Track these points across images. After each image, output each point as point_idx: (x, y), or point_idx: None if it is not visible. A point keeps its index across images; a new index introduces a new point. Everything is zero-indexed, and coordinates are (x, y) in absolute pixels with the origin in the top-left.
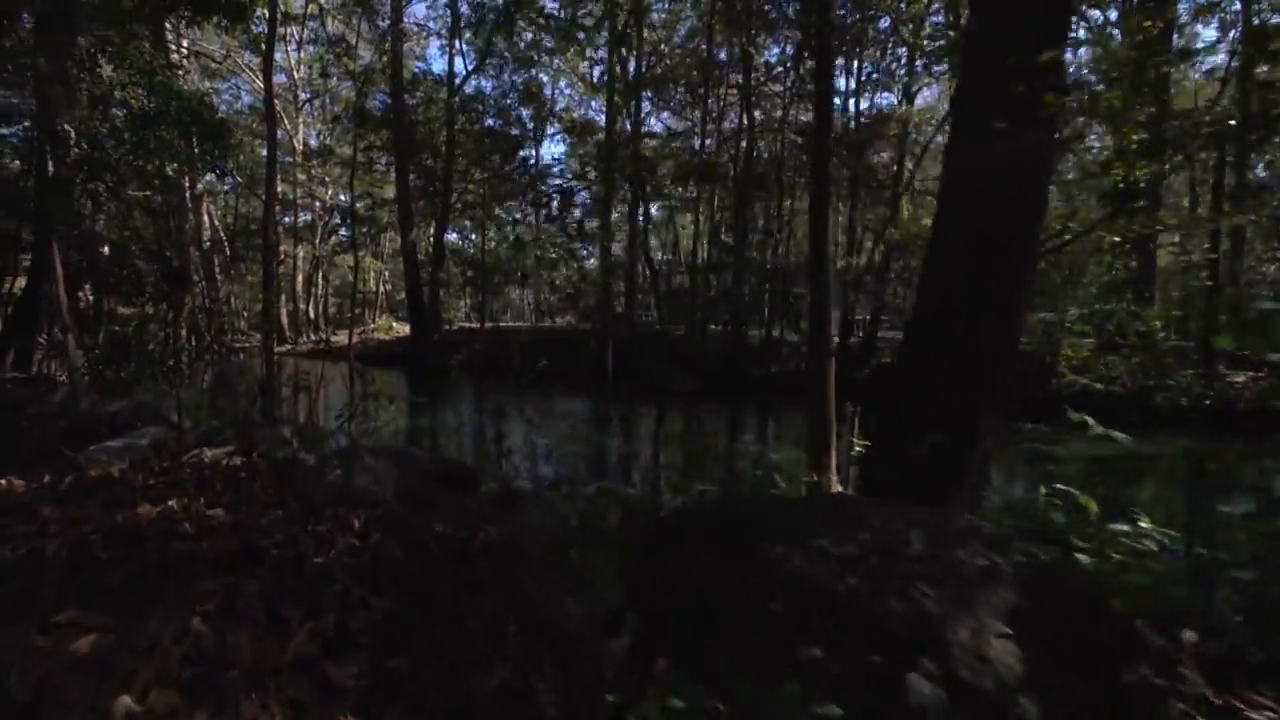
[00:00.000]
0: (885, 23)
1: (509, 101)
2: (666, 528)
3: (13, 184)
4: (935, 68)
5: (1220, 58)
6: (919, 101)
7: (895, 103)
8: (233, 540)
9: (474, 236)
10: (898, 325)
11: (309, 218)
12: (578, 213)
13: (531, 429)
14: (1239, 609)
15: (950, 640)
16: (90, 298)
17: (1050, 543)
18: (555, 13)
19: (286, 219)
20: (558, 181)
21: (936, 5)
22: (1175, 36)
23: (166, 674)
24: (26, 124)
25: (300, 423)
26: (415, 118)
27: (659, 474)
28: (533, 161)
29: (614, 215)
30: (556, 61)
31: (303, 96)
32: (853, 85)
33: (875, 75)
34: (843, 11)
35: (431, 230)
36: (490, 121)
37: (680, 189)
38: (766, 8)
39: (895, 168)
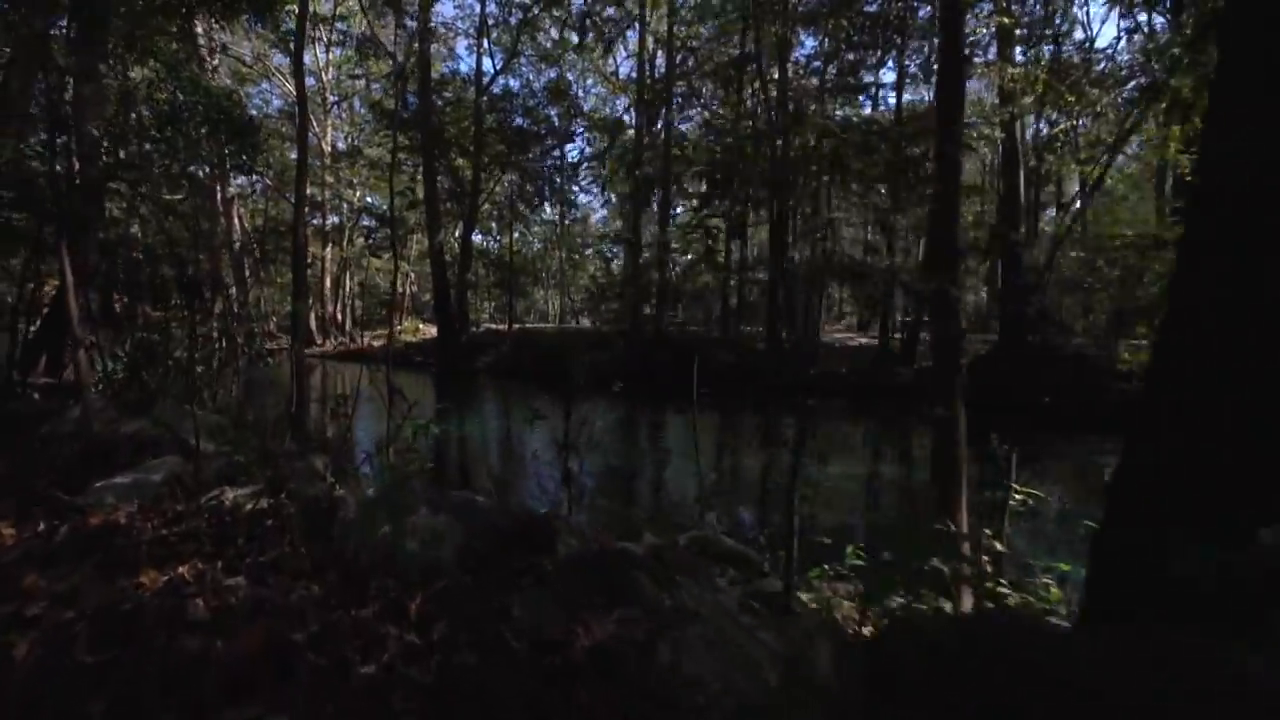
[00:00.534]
0: (924, 12)
1: (536, 100)
2: (884, 673)
3: (39, 186)
4: (977, 57)
5: None
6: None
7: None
8: (256, 635)
9: (502, 239)
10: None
11: (337, 220)
12: (603, 213)
13: (579, 443)
14: None
15: None
16: (124, 302)
17: None
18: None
19: (315, 221)
20: (585, 180)
21: None
22: None
23: None
24: (50, 127)
25: (334, 445)
26: (443, 118)
27: (766, 513)
28: (558, 160)
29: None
30: (584, 61)
31: (331, 99)
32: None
33: (917, 67)
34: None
35: (458, 232)
36: (519, 120)
37: (711, 188)
38: None
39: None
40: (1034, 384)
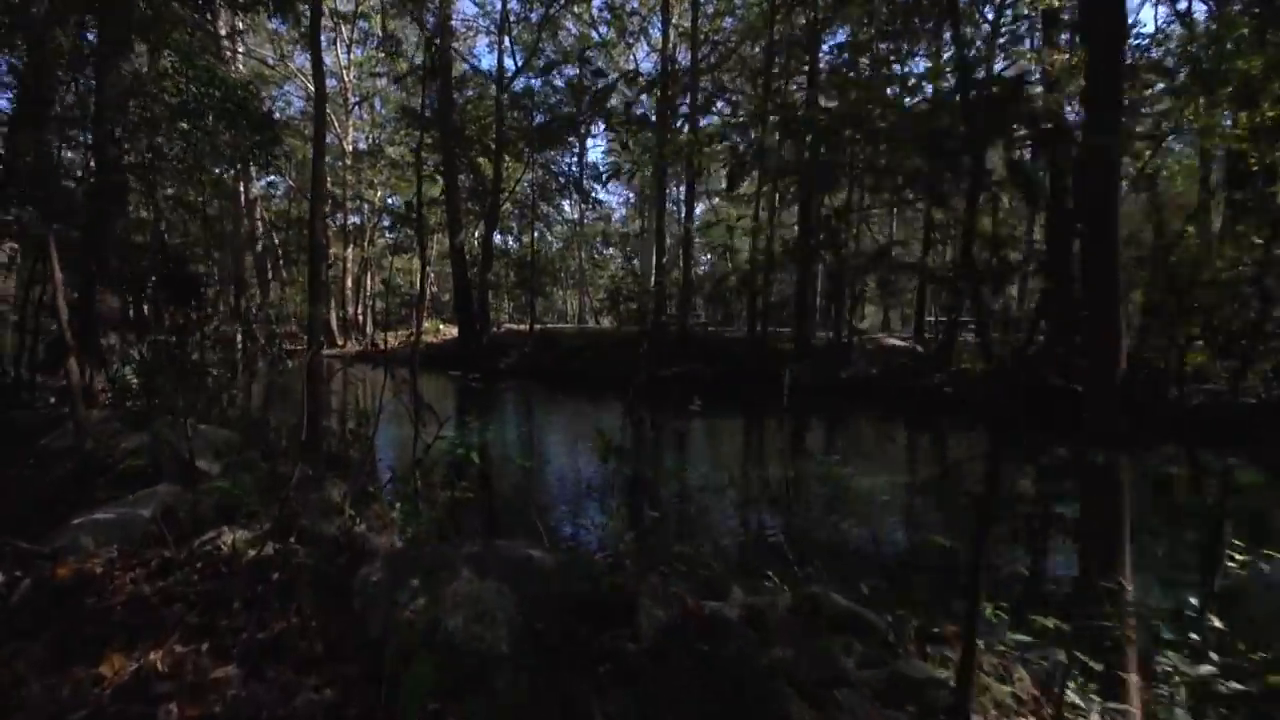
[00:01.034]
0: None
1: (558, 98)
2: None
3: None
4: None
5: None
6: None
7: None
8: None
9: (523, 238)
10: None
11: (358, 220)
12: (622, 212)
13: (625, 457)
14: None
15: None
16: (142, 303)
17: None
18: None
19: (336, 221)
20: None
21: None
22: None
23: None
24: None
25: (354, 469)
26: (464, 116)
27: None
28: (577, 159)
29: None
30: (605, 59)
31: (352, 100)
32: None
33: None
34: None
35: (478, 232)
36: (539, 117)
37: (739, 183)
38: None
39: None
40: (1077, 390)
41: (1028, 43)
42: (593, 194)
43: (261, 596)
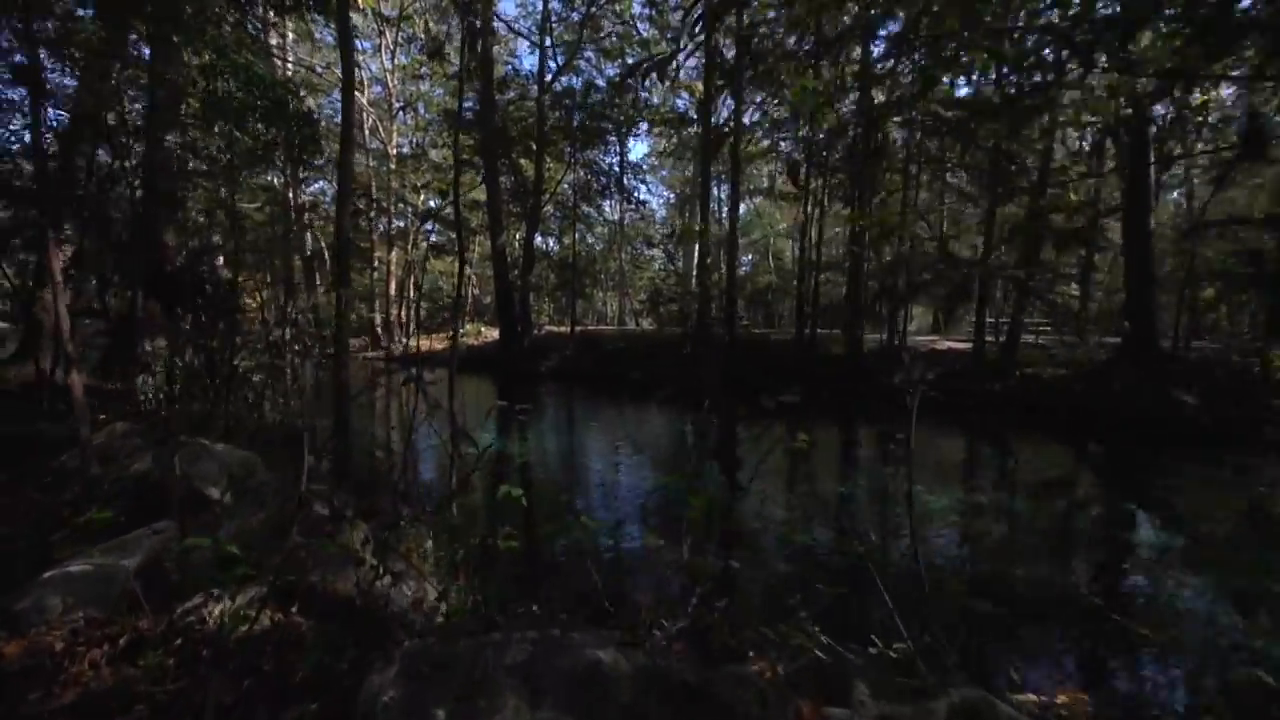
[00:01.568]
0: None
1: (599, 97)
2: None
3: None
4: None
5: None
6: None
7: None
8: None
9: (565, 239)
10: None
11: (402, 224)
12: (663, 213)
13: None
14: None
15: None
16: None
17: None
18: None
19: (381, 225)
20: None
21: None
22: None
23: None
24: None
25: (382, 505)
26: (506, 117)
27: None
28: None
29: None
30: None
31: (396, 105)
32: None
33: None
34: None
35: (519, 233)
36: (579, 117)
37: (799, 177)
38: None
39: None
40: (1166, 395)
41: None
42: (635, 193)
43: (247, 696)
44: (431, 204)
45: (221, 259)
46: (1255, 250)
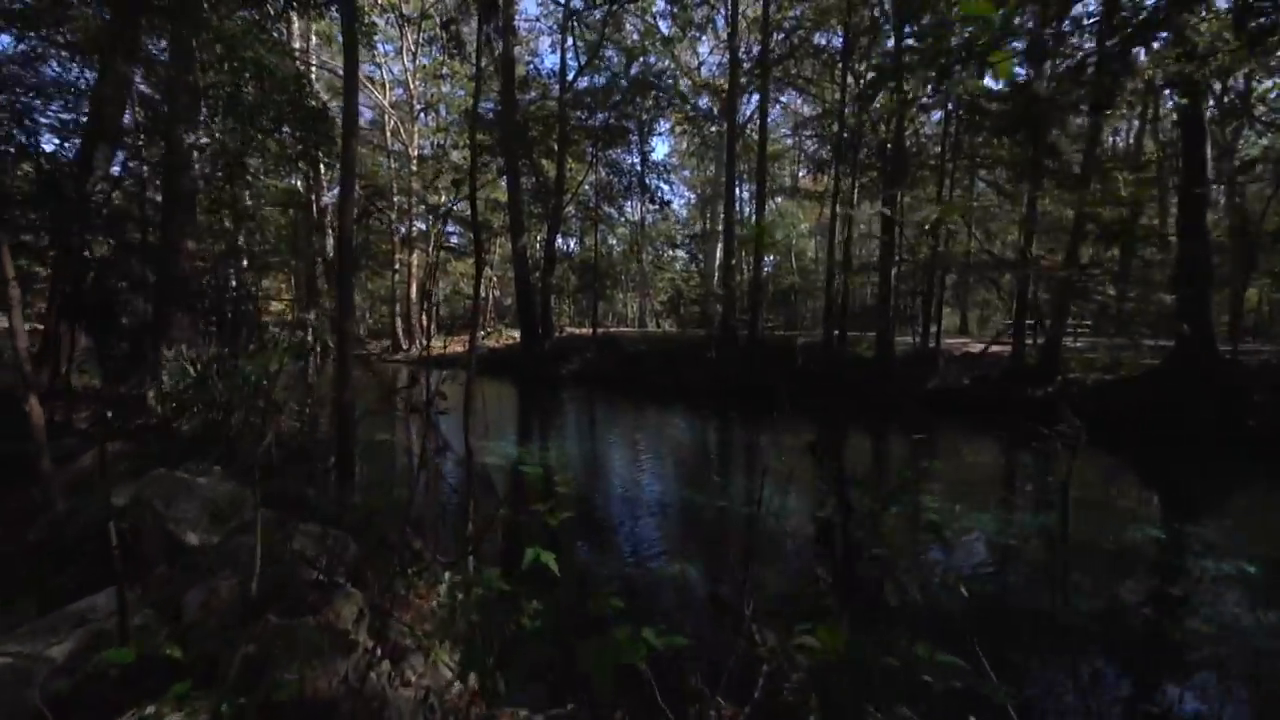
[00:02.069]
0: None
1: (620, 96)
2: None
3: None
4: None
5: None
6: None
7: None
8: None
9: (586, 240)
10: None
11: (423, 226)
12: (684, 213)
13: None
14: None
15: None
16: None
17: None
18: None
19: (401, 229)
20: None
21: None
22: None
23: None
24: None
25: (380, 568)
26: (527, 116)
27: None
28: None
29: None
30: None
31: (417, 107)
32: None
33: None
34: None
35: (540, 235)
36: (600, 116)
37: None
38: None
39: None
40: (1225, 404)
41: None
42: (658, 193)
43: None
44: (447, 201)
45: (246, 261)
46: None
